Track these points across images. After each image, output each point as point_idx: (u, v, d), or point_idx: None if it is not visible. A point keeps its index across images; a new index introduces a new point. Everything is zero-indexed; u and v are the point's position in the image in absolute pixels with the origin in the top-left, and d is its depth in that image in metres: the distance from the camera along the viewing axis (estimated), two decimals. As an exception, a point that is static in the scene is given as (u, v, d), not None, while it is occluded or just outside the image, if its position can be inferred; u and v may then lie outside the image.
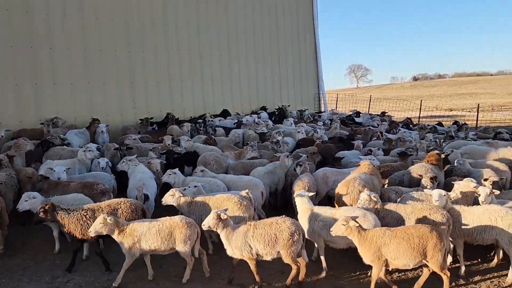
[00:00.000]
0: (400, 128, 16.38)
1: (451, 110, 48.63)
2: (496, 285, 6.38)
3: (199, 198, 7.38)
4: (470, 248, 6.98)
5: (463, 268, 6.63)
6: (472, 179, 7.60)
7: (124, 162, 9.40)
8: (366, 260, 5.85)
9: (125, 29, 17.96)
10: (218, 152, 11.33)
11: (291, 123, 17.70)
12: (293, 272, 6.09)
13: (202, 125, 16.29)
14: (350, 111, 24.64)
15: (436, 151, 9.60)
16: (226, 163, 10.67)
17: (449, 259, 6.84)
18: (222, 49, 22.35)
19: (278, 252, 5.96)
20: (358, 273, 6.71)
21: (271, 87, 25.25)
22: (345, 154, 11.08)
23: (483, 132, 16.70)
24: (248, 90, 23.88)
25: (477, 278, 6.57)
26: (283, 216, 6.23)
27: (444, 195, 6.59)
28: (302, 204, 6.83)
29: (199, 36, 21.06)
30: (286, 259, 5.96)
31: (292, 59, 26.41)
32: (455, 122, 18.86)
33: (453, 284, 6.32)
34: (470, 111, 46.01)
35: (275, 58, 25.40)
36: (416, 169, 8.70)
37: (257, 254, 6.00)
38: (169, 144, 12.03)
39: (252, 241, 5.91)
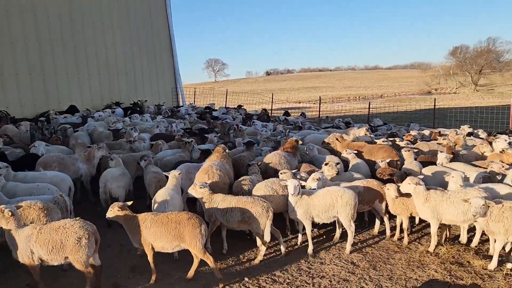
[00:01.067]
0: (254, 120, 17.20)
1: (300, 102, 53.54)
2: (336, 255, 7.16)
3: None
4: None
5: (311, 247, 7.27)
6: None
7: None
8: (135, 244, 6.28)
9: None
10: (65, 154, 10.26)
11: (147, 119, 17.07)
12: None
13: (45, 123, 14.53)
14: (207, 104, 24.97)
15: (294, 138, 10.27)
16: (74, 166, 9.71)
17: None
18: (65, 39, 20.24)
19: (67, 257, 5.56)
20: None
21: (125, 81, 23.96)
22: (202, 148, 11.10)
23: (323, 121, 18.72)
24: (99, 84, 22.22)
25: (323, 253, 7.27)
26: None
27: (297, 185, 7.08)
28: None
29: (36, 23, 18.68)
30: (76, 265, 5.58)
31: (147, 52, 25.45)
32: (302, 114, 20.78)
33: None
34: (314, 103, 51.38)
35: (128, 50, 24.13)
36: (270, 158, 9.21)
37: (41, 260, 5.56)
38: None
39: (35, 246, 5.46)
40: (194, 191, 7.07)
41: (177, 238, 5.96)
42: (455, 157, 9.83)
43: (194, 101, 31.56)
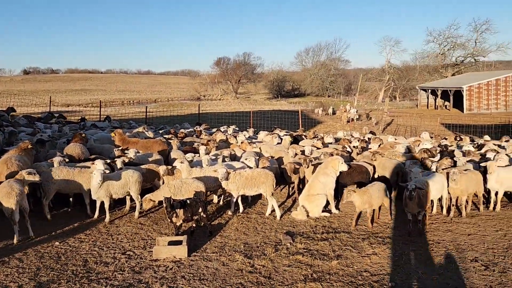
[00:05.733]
0: (37, 123, 16.14)
1: (68, 106, 50.17)
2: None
3: None
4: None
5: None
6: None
7: None
8: None
9: None
10: None
11: None
12: None
13: None
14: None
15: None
16: None
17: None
18: None
19: None
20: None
21: None
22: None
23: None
24: None
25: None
26: None
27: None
28: None
29: None
30: None
31: None
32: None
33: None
34: (86, 107, 49.20)
35: None
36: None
37: None
38: None
39: None
40: None
41: None
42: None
43: None
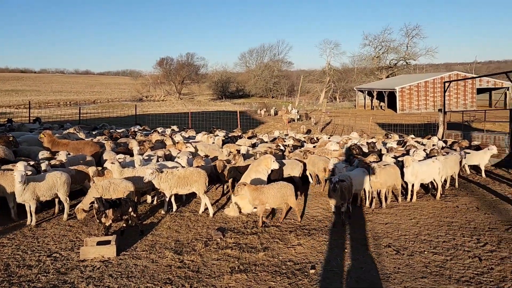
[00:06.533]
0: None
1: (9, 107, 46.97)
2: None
3: None
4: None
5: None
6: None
7: None
8: None
9: None
10: None
11: None
12: None
13: None
14: None
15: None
16: None
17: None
18: None
19: None
20: None
21: None
22: None
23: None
24: None
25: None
26: None
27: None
28: None
29: None
30: None
31: None
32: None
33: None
34: (17, 108, 46.34)
35: None
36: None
37: None
38: None
39: None
40: None
41: None
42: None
43: None
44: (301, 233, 7.86)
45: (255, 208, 9.25)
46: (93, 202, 7.37)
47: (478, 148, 13.61)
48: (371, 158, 10.96)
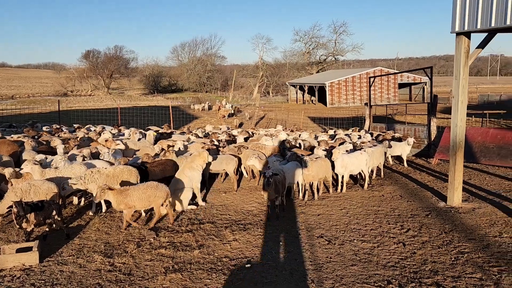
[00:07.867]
0: None
1: None
2: None
3: None
4: None
5: None
6: None
7: None
8: None
9: None
10: None
11: None
12: None
13: None
14: None
15: None
16: None
17: None
18: None
19: None
20: None
21: None
22: None
23: None
24: None
25: None
26: None
27: None
28: None
29: None
30: None
31: None
32: None
33: None
34: None
35: None
36: None
37: None
38: None
39: None
40: None
41: None
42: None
43: None
44: (236, 229, 7.86)
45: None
46: (11, 207, 6.77)
47: (400, 139, 14.56)
48: (303, 152, 11.25)
